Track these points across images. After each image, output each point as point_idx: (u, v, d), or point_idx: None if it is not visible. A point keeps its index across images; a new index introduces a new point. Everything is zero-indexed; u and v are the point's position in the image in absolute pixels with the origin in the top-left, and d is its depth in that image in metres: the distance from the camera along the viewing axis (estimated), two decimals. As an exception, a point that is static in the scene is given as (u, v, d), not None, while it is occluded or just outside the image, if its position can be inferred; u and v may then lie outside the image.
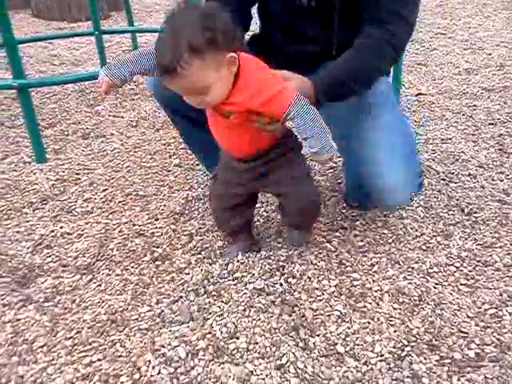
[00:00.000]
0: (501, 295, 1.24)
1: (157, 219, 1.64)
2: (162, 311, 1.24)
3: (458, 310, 1.20)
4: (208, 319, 1.21)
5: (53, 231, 1.59)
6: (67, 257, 1.46)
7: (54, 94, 2.93)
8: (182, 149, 2.13)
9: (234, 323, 1.19)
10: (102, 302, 1.28)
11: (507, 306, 1.21)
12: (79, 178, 1.93)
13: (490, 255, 1.40)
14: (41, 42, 4.10)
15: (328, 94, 1.24)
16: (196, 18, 1.01)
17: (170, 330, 1.18)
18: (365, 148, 1.37)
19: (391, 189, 1.36)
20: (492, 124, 2.31)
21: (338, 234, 1.52)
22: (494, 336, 1.13)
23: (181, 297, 1.28)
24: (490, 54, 3.40)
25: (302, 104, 1.08)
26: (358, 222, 1.58)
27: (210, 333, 1.17)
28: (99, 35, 3.04)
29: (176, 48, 0.98)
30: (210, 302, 1.26)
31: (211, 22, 1.01)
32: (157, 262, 1.42)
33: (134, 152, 2.15)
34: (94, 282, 1.35)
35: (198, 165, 1.98)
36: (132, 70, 1.11)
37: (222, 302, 1.26)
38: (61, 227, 1.61)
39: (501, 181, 1.81)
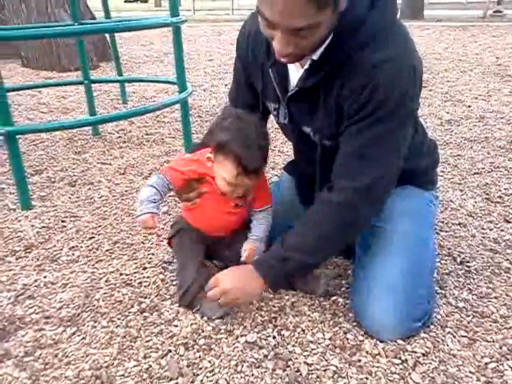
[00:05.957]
0: (500, 348, 1.21)
1: (144, 268, 1.59)
2: (150, 366, 1.17)
3: (462, 365, 1.16)
4: (198, 375, 1.15)
5: (36, 281, 1.53)
6: (50, 308, 1.40)
7: (41, 141, 2.93)
8: (170, 196, 2.11)
9: (226, 379, 1.13)
10: (87, 356, 1.21)
11: (508, 359, 1.17)
12: (65, 226, 1.88)
13: (486, 306, 1.37)
14: (29, 91, 4.14)
15: (279, 277, 1.29)
16: (261, 131, 1.31)
17: (159, 387, 1.12)
18: (365, 276, 1.30)
19: (377, 330, 1.24)
20: (477, 173, 2.35)
21: (330, 282, 1.48)
22: (497, 392, 1.09)
23: (169, 351, 1.22)
24: (469, 106, 3.52)
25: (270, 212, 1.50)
26: (349, 271, 1.56)
27: (200, 390, 1.11)
28: (88, 84, 3.07)
29: (262, 157, 1.29)
30: (200, 357, 1.20)
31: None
32: (144, 314, 1.36)
33: (122, 200, 2.12)
34: (78, 335, 1.29)
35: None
36: (154, 199, 1.31)
37: (213, 356, 1.20)
38: (44, 276, 1.55)
39: (490, 230, 1.81)
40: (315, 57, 1.15)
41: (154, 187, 1.32)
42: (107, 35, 4.87)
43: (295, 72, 1.26)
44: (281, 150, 2.73)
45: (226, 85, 4.44)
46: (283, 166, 2.47)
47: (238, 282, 1.27)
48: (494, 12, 13.23)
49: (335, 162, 1.23)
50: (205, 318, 1.33)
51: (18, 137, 2.02)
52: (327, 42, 1.12)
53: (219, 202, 1.40)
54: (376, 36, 1.11)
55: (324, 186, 1.28)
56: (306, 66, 1.19)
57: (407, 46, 1.14)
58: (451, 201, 2.04)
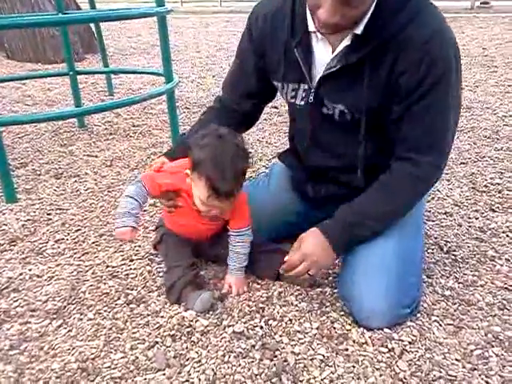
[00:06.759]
0: (486, 335, 1.22)
1: (131, 260, 1.58)
2: (137, 358, 1.17)
3: (448, 352, 1.17)
4: (185, 366, 1.14)
5: (21, 274, 1.51)
6: (36, 301, 1.38)
7: (26, 133, 2.89)
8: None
9: (213, 370, 1.13)
10: (73, 348, 1.20)
11: (493, 346, 1.19)
12: (51, 219, 1.86)
13: (472, 294, 1.39)
14: (14, 83, 4.08)
15: (345, 242, 1.30)
16: (240, 153, 1.25)
17: (145, 379, 1.11)
18: (355, 261, 1.30)
19: (367, 316, 1.24)
20: (463, 163, 2.36)
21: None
22: (481, 378, 1.10)
23: (156, 342, 1.22)
24: (457, 98, 3.52)
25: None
26: (337, 261, 1.55)
27: (187, 381, 1.10)
28: (74, 75, 3.03)
29: (238, 180, 1.25)
30: (187, 348, 1.20)
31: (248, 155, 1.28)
32: (131, 305, 1.35)
33: (109, 192, 2.10)
34: (65, 328, 1.28)
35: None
36: (135, 213, 1.28)
37: (200, 347, 1.20)
38: (30, 269, 1.53)
39: (476, 219, 1.82)
40: (358, 31, 1.16)
41: (135, 199, 1.28)
42: (93, 26, 4.81)
43: (322, 51, 1.25)
44: (269, 142, 2.72)
45: (213, 76, 4.41)
46: (272, 157, 2.47)
47: (317, 248, 1.28)
48: (482, 3, 13.26)
49: (401, 135, 1.24)
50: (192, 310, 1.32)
51: (2, 129, 1.99)
52: (367, 17, 1.14)
53: (194, 215, 1.39)
54: (420, 13, 1.15)
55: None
56: (348, 42, 1.19)
57: (444, 21, 1.20)
58: (438, 190, 2.06)
